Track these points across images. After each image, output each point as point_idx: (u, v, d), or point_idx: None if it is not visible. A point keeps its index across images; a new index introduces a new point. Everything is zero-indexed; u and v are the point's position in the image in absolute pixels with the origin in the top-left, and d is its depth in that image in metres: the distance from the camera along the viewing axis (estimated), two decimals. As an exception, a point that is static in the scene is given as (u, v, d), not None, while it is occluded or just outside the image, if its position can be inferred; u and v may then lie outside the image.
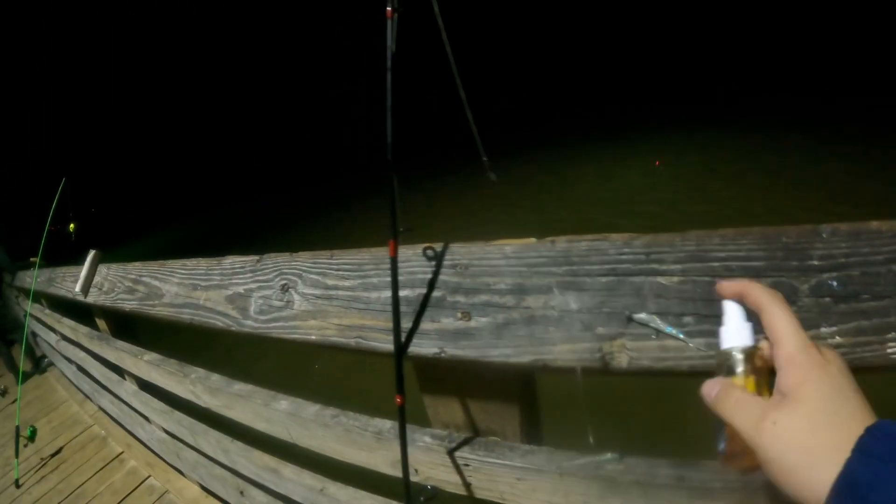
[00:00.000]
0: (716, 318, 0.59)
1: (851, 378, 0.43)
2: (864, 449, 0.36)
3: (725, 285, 0.49)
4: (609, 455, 0.72)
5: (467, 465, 0.80)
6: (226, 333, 1.03)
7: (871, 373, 0.61)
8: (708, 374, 0.60)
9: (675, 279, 0.60)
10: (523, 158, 10.17)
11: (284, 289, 0.91)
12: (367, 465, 0.93)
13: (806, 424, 0.39)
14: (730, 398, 0.44)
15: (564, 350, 0.62)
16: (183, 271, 1.22)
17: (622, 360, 0.60)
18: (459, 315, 0.69)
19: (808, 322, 0.57)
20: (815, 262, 0.58)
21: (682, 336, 0.59)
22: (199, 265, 1.16)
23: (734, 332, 0.48)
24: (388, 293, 0.76)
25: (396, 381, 0.74)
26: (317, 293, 0.85)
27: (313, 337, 0.85)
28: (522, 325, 0.64)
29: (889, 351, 0.57)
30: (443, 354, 0.70)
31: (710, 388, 0.46)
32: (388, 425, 0.89)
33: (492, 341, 0.66)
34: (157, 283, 1.30)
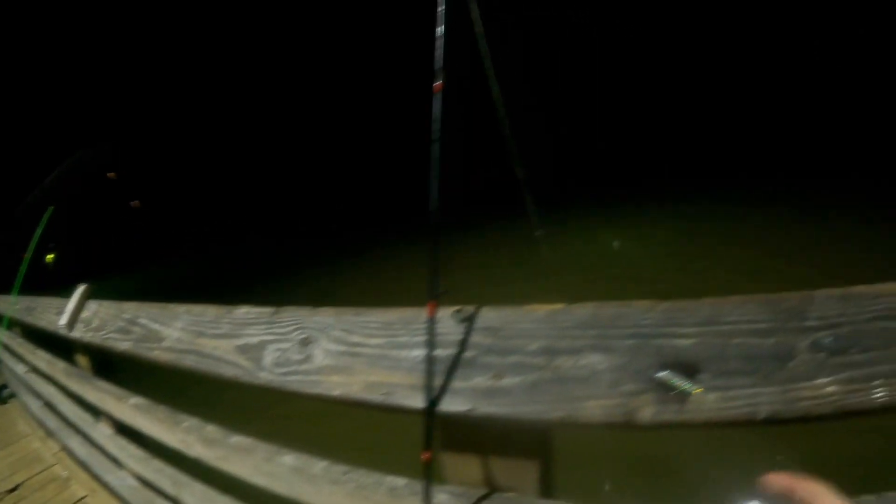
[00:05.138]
0: (725, 374, 0.66)
1: None
2: None
3: (775, 479, 0.40)
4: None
5: (488, 520, 0.83)
6: (235, 383, 1.04)
7: (861, 416, 0.70)
8: (722, 424, 0.67)
9: (692, 341, 0.67)
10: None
11: (304, 343, 0.94)
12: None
13: None
14: None
15: (593, 406, 0.68)
16: (188, 317, 1.22)
17: (646, 415, 0.66)
18: (491, 375, 0.74)
19: (807, 374, 0.65)
20: (811, 323, 0.67)
21: (698, 391, 0.66)
22: (206, 312, 1.16)
23: None
24: (416, 352, 0.81)
25: (425, 438, 0.77)
26: (340, 349, 0.88)
27: (337, 392, 0.87)
28: (554, 383, 0.70)
29: (875, 396, 0.65)
30: (475, 412, 0.74)
31: None
32: (402, 482, 0.92)
33: (523, 399, 0.71)
34: (156, 325, 1.29)
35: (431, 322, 0.75)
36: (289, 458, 1.09)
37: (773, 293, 0.70)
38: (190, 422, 1.35)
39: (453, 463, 0.86)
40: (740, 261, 5.97)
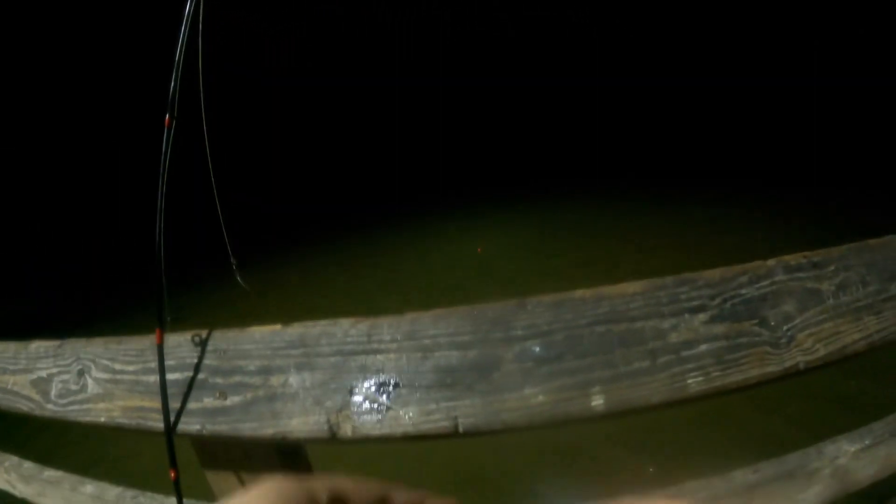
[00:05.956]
0: (423, 388, 0.69)
1: None
2: None
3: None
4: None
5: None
6: (31, 417, 1.04)
7: (572, 424, 0.72)
8: (418, 437, 0.70)
9: (392, 356, 0.70)
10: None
11: (80, 373, 0.94)
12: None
13: None
14: None
15: (299, 423, 0.70)
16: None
17: (347, 430, 0.69)
18: (217, 395, 0.76)
19: (513, 384, 0.68)
20: (518, 332, 0.70)
21: (395, 406, 0.69)
22: (7, 349, 1.15)
23: None
24: (167, 377, 0.82)
25: (169, 458, 0.79)
26: (106, 377, 0.90)
27: (102, 419, 0.88)
28: (266, 402, 0.72)
29: (593, 403, 0.69)
30: (204, 431, 0.76)
31: None
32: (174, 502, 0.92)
33: (242, 417, 0.73)
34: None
35: (160, 348, 0.77)
36: (90, 488, 1.09)
37: (478, 304, 0.73)
38: (11, 460, 1.32)
39: (215, 480, 0.88)
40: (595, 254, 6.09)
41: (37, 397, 1.02)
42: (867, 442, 0.89)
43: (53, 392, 0.98)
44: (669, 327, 0.71)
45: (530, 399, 0.67)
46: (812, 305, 0.77)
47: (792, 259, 0.79)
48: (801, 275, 0.78)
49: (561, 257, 6.30)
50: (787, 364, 0.74)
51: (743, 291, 0.76)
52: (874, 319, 0.78)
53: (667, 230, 6.56)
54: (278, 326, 0.75)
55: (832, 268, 0.79)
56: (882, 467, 0.92)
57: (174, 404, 0.78)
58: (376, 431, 0.68)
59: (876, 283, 0.80)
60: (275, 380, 0.72)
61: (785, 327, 0.75)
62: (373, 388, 0.69)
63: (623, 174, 10.40)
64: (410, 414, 0.67)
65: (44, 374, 1.02)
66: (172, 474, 0.79)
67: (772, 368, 0.74)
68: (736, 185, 7.98)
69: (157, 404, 0.82)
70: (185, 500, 0.90)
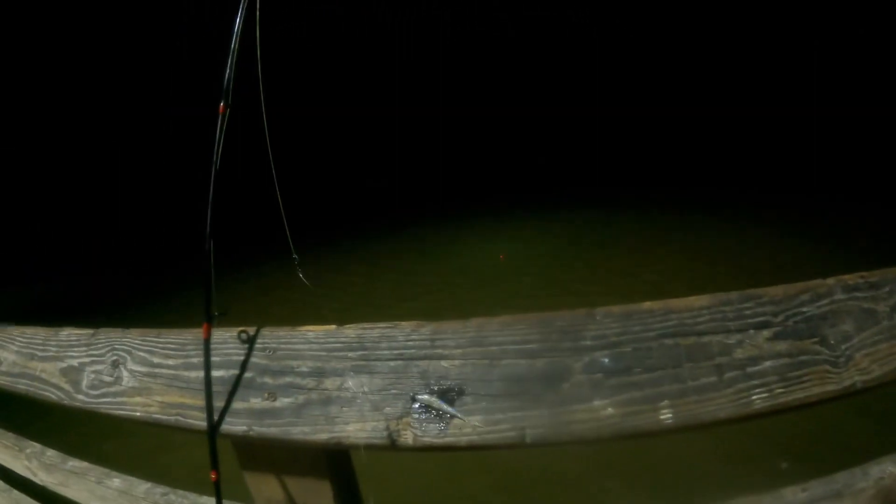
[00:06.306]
0: (490, 396, 0.67)
1: None
2: None
3: None
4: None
5: (287, 539, 0.82)
6: (59, 407, 1.01)
7: (641, 438, 0.71)
8: (487, 447, 0.68)
9: (457, 362, 0.68)
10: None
11: (115, 365, 0.92)
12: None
13: None
14: None
15: (356, 429, 0.68)
16: (22, 339, 1.18)
17: (408, 438, 0.67)
18: (266, 395, 0.73)
19: (581, 396, 0.66)
20: (588, 343, 0.67)
21: (459, 415, 0.67)
22: (37, 334, 1.12)
23: None
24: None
25: (211, 458, 0.77)
26: (143, 370, 0.87)
27: (138, 413, 0.86)
28: (320, 405, 0.70)
29: (662, 417, 0.67)
30: (251, 432, 0.74)
31: None
32: (212, 502, 0.90)
33: (293, 420, 0.71)
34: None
35: (207, 343, 0.75)
36: (117, 481, 1.07)
37: (549, 312, 0.70)
38: (33, 447, 1.29)
39: (254, 482, 0.85)
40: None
41: (66, 387, 0.99)
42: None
43: (85, 383, 0.96)
44: (735, 343, 0.70)
45: (599, 411, 0.65)
46: (868, 326, 0.76)
47: (850, 279, 0.78)
48: (858, 294, 0.77)
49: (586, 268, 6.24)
50: (846, 383, 0.73)
51: (804, 309, 0.74)
52: (928, 340, 0.77)
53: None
54: (333, 327, 0.73)
55: (887, 289, 0.78)
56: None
57: (218, 403, 0.76)
58: (440, 440, 0.66)
59: (930, 305, 0.79)
60: (330, 382, 0.70)
61: (843, 346, 0.74)
62: (436, 395, 0.67)
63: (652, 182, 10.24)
64: (476, 423, 0.65)
65: (75, 363, 0.99)
66: (213, 476, 0.76)
67: (832, 387, 0.73)
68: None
69: (199, 401, 0.79)
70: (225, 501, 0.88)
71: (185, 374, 0.82)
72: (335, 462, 0.79)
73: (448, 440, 0.65)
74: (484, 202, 10.92)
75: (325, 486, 0.79)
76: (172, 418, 0.81)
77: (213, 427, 0.75)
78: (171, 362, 0.84)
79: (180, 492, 0.95)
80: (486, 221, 9.54)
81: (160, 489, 0.97)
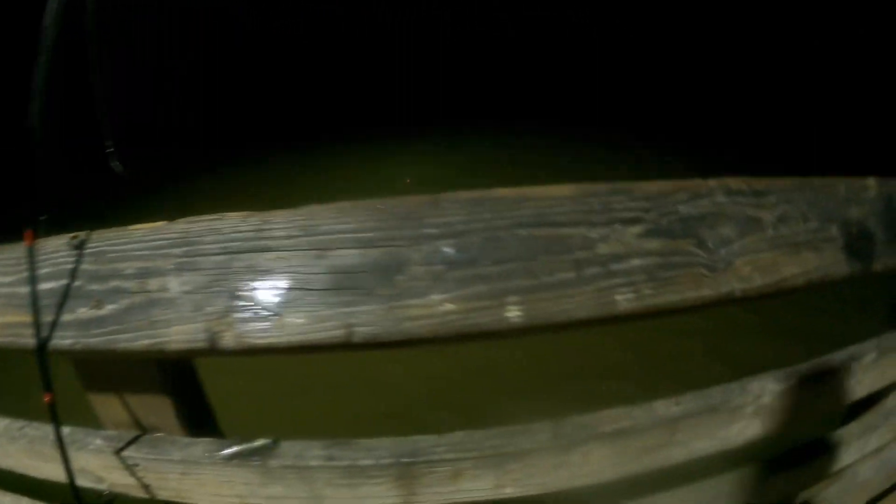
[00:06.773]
0: (317, 291, 0.61)
1: None
2: None
3: None
4: (261, 441, 0.72)
5: (136, 465, 0.76)
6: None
7: (486, 339, 0.65)
8: (313, 348, 0.62)
9: (284, 254, 0.62)
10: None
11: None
12: (52, 477, 0.86)
13: None
14: None
15: (177, 332, 0.62)
16: None
17: (229, 340, 0.61)
18: (94, 303, 0.67)
19: (419, 290, 0.60)
20: (430, 230, 0.61)
21: (283, 312, 0.60)
22: None
23: None
24: (41, 286, 0.73)
25: (42, 379, 0.70)
26: (-17, 291, 0.80)
27: (-21, 338, 0.79)
28: (142, 309, 0.64)
29: (509, 314, 0.61)
30: (77, 345, 0.67)
31: None
32: (66, 431, 0.84)
33: (116, 328, 0.65)
34: None
35: (31, 251, 0.68)
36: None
37: (393, 198, 0.64)
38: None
39: (99, 405, 0.79)
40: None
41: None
42: (793, 382, 0.84)
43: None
44: (599, 237, 0.65)
45: (437, 306, 0.59)
46: (751, 232, 0.71)
47: (733, 183, 0.73)
48: (741, 199, 0.72)
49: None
50: (723, 289, 0.69)
51: (681, 208, 0.69)
52: (813, 256, 0.73)
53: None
54: (162, 223, 0.67)
55: (773, 198, 0.74)
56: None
57: (48, 317, 0.69)
58: (261, 341, 0.60)
59: (816, 221, 0.75)
60: (153, 283, 0.64)
61: (723, 250, 0.69)
62: (260, 292, 0.61)
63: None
64: (300, 321, 0.60)
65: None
66: (47, 398, 0.70)
67: (707, 292, 0.68)
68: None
69: (32, 318, 0.73)
70: (72, 428, 0.82)
71: (21, 290, 0.75)
72: (171, 375, 0.73)
73: (270, 341, 0.60)
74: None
75: (166, 403, 0.73)
76: (8, 339, 0.75)
77: (42, 344, 0.69)
78: (7, 279, 0.78)
79: (36, 423, 0.88)
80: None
81: (17, 423, 0.90)
